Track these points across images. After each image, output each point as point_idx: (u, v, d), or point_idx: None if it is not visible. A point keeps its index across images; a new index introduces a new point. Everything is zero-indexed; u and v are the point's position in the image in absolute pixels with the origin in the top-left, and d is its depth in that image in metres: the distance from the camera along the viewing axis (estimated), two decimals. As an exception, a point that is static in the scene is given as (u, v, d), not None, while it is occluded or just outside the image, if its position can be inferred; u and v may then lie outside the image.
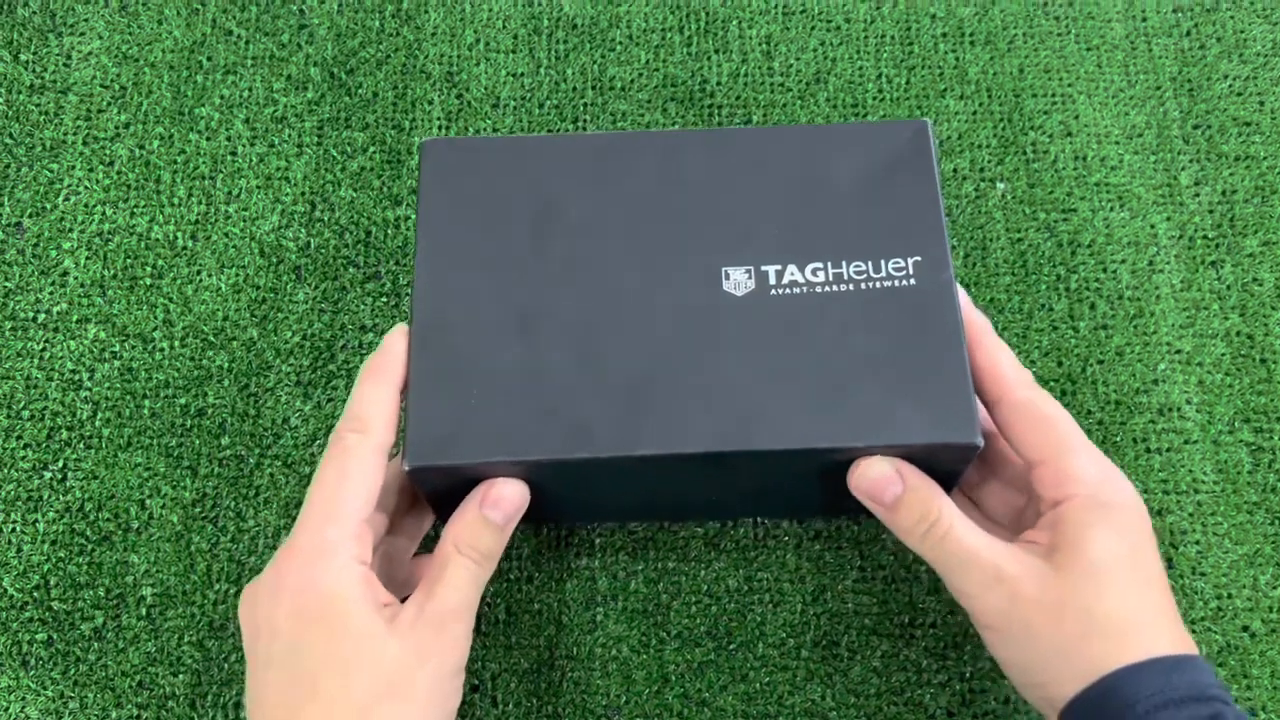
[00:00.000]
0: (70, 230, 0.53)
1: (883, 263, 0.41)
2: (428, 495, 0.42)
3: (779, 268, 0.41)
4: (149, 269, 0.52)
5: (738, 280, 0.41)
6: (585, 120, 0.56)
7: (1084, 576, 0.36)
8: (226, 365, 0.51)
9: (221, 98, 0.56)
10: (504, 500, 0.38)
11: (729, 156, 0.43)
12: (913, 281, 0.41)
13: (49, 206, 0.54)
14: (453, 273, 0.41)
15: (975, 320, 0.40)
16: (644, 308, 0.41)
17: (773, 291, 0.41)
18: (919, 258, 0.41)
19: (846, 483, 0.40)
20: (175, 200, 0.54)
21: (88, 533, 0.48)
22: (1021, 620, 0.36)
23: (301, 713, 0.33)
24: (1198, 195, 0.54)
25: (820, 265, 0.41)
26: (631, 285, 0.41)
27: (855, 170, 0.43)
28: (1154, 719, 0.33)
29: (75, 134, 0.55)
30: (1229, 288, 0.52)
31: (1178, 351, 0.51)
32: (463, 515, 0.38)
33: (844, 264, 0.41)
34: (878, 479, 0.39)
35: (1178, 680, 0.34)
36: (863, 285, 0.41)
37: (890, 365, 0.39)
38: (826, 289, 0.41)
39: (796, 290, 0.41)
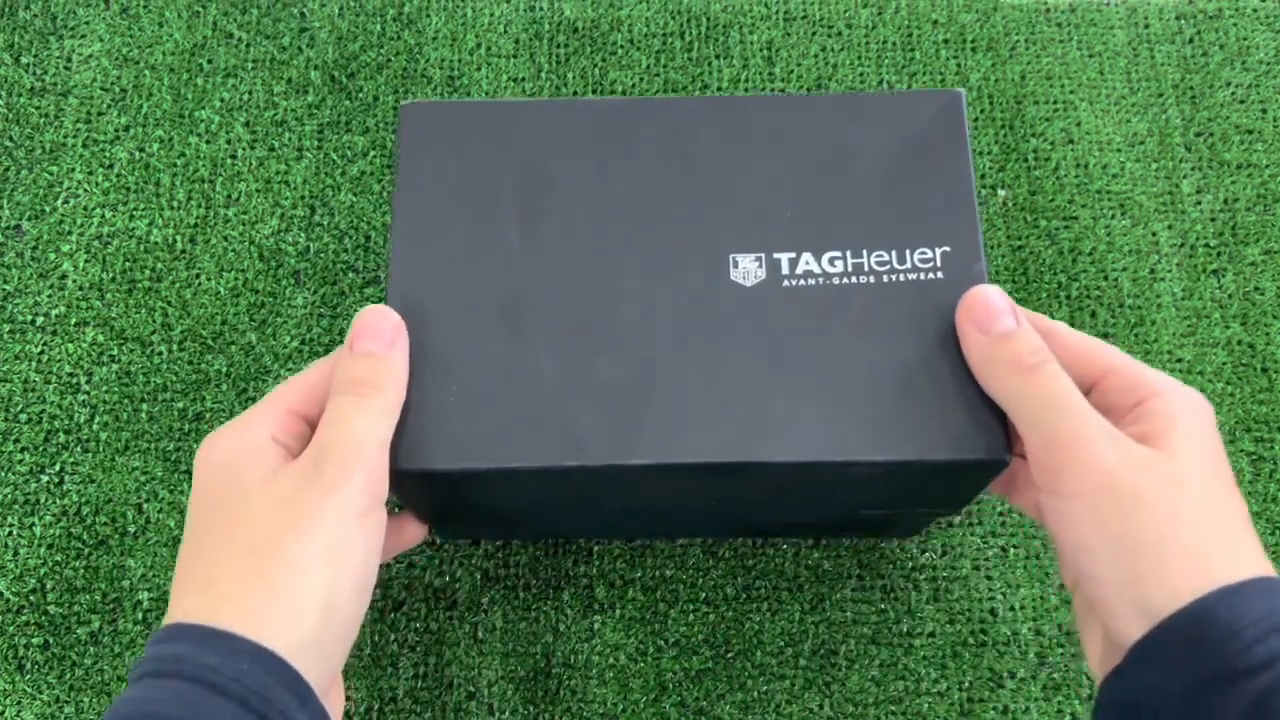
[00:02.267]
0: (69, 233, 0.53)
1: (908, 253, 0.37)
2: (397, 494, 0.38)
3: (793, 256, 0.37)
4: (148, 272, 0.52)
5: (747, 269, 0.37)
6: (586, 125, 0.56)
7: (1183, 460, 0.33)
8: (225, 369, 0.50)
9: (222, 101, 0.56)
10: (369, 330, 0.36)
11: (739, 129, 0.39)
12: (940, 275, 0.37)
13: (48, 209, 0.53)
14: (432, 254, 0.37)
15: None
16: (642, 298, 0.37)
17: (785, 283, 0.37)
18: (948, 248, 0.37)
19: (955, 314, 0.36)
20: (175, 203, 0.54)
21: (85, 537, 0.48)
22: (1131, 487, 0.32)
23: (202, 546, 0.34)
24: (1199, 203, 0.54)
25: (839, 254, 0.37)
26: (629, 272, 0.37)
27: (879, 147, 0.39)
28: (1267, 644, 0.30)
29: (75, 137, 0.55)
30: (1230, 296, 0.52)
31: (1179, 360, 0.51)
32: (338, 362, 0.36)
33: (865, 254, 0.37)
34: (991, 305, 0.35)
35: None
36: (885, 278, 0.37)
37: (912, 369, 0.36)
38: (845, 281, 0.37)
39: (811, 282, 0.37)
